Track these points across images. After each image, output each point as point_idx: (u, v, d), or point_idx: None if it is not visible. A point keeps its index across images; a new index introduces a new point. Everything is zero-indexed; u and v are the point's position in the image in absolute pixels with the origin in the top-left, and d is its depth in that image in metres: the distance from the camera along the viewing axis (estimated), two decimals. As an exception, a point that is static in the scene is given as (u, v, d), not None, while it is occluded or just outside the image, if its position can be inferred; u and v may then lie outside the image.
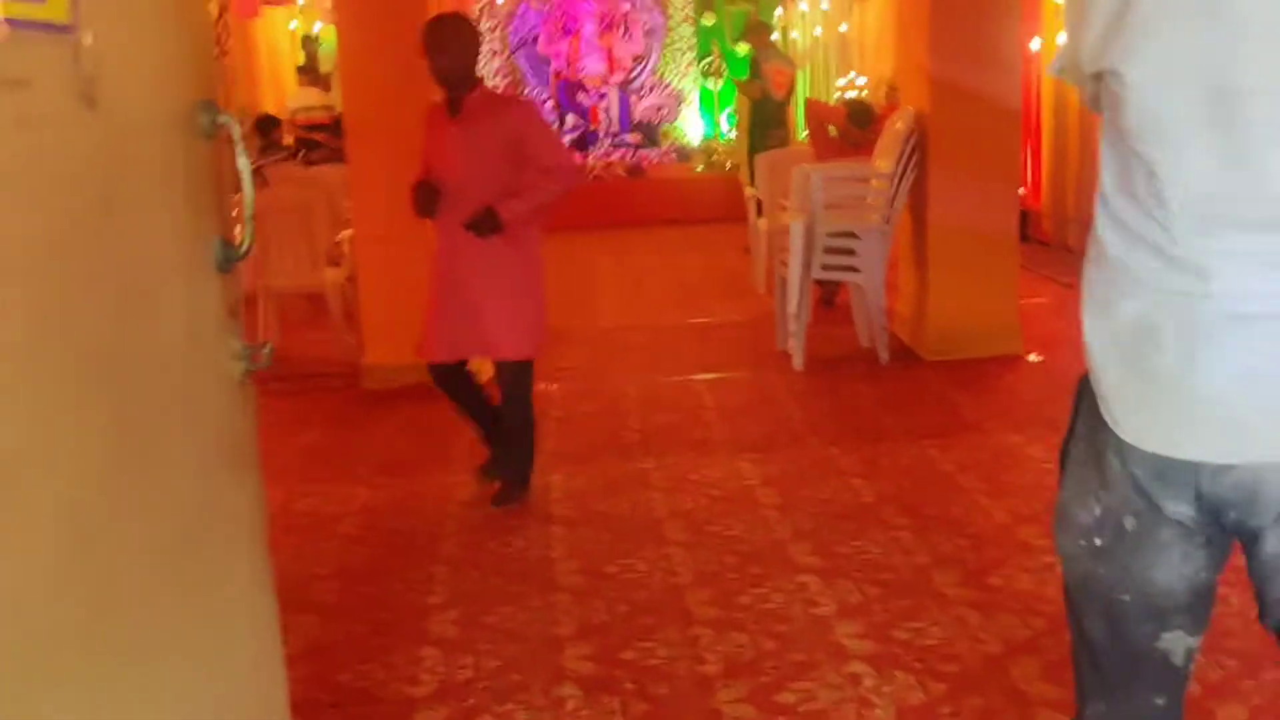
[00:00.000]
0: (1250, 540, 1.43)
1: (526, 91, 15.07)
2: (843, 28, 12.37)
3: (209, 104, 1.50)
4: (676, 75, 15.09)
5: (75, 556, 1.18)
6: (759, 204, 7.90)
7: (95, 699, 1.21)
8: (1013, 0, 5.70)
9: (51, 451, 1.15)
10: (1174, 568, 1.46)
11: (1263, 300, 1.30)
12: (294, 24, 12.94)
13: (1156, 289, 1.36)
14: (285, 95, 11.89)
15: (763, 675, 2.85)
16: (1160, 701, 1.58)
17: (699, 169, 13.03)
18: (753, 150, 9.20)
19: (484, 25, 14.98)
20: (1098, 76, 1.40)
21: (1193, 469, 1.39)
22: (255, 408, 1.65)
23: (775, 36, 13.75)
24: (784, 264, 5.93)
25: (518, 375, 4.03)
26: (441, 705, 2.80)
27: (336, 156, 8.25)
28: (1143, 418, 1.41)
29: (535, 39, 15.00)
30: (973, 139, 5.65)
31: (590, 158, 13.56)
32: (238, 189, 1.58)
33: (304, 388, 5.90)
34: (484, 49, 3.93)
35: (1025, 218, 9.18)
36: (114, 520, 1.26)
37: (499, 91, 4.07)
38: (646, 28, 14.87)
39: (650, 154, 13.92)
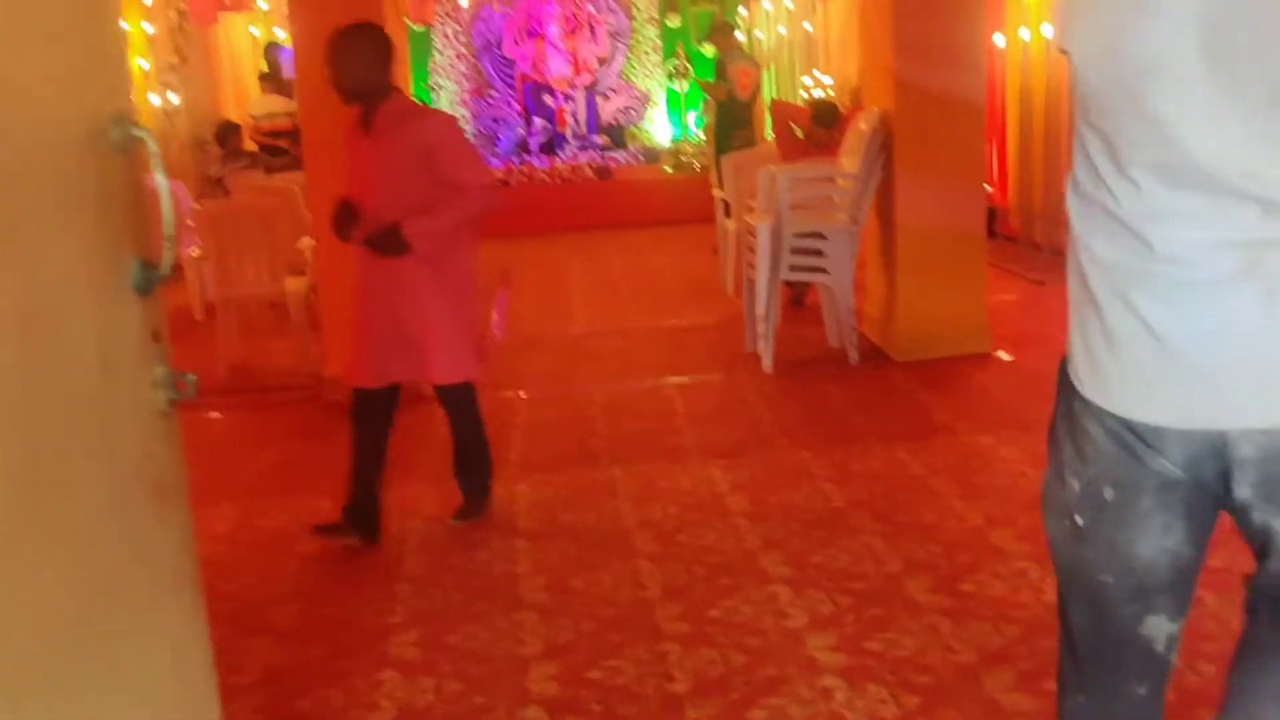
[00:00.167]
0: (1238, 513, 1.45)
1: (492, 95, 14.97)
2: (807, 27, 12.33)
3: (122, 117, 1.41)
4: (642, 77, 15.03)
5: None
6: (726, 205, 7.84)
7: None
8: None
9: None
10: (1155, 539, 1.48)
11: (1210, 268, 1.33)
12: (255, 30, 12.78)
13: (1113, 256, 1.40)
14: (248, 102, 11.73)
15: (732, 692, 2.77)
16: (1142, 691, 1.60)
17: (667, 170, 12.97)
18: (719, 151, 9.15)
19: (447, 29, 14.88)
20: (1064, 54, 1.47)
21: (1161, 430, 1.42)
22: (180, 438, 1.55)
23: (740, 37, 13.72)
24: (752, 265, 5.87)
25: (458, 397, 3.88)
26: (401, 732, 2.71)
27: (299, 164, 8.12)
28: (1107, 379, 1.45)
29: (499, 42, 14.90)
30: (938, 138, 5.61)
31: (557, 161, 13.49)
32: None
33: (266, 400, 5.79)
34: (391, 56, 3.69)
35: (992, 214, 9.17)
36: (21, 565, 1.17)
37: (415, 104, 3.78)
38: (611, 29, 14.80)
39: (618, 156, 13.85)
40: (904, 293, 5.77)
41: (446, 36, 14.94)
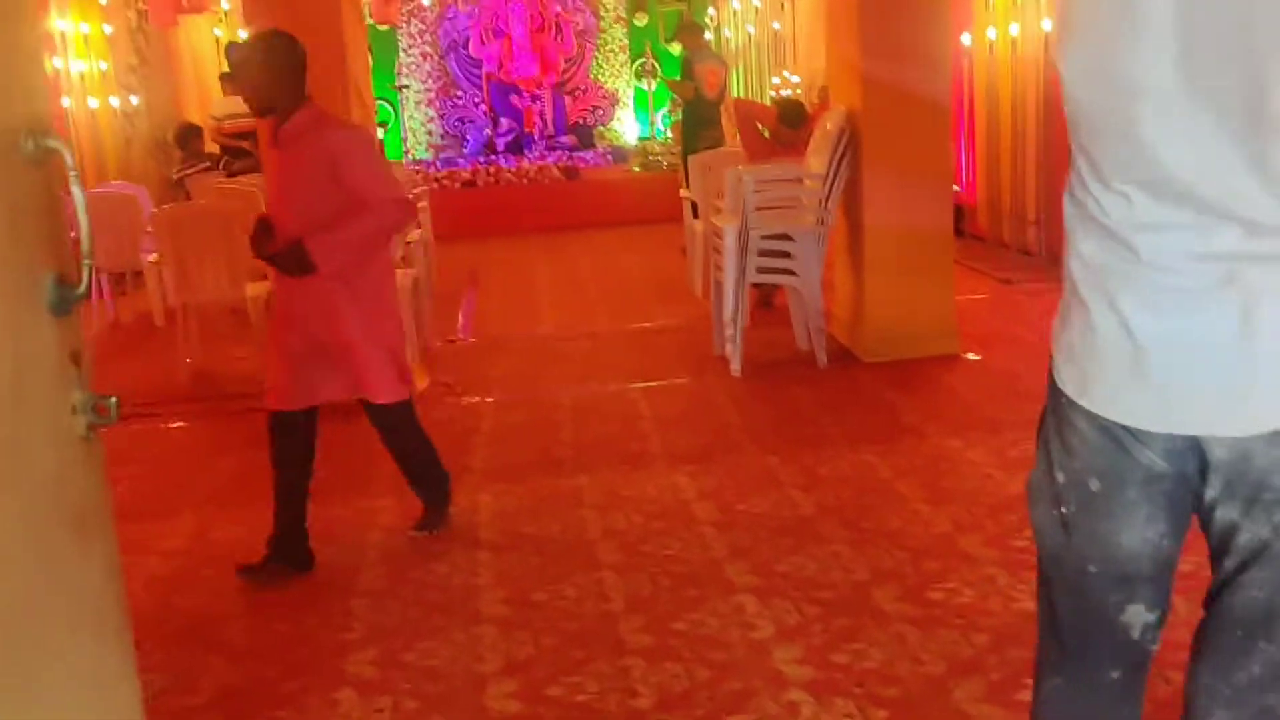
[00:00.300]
0: (1205, 509, 1.51)
1: (458, 95, 14.86)
2: (775, 26, 12.30)
3: (36, 128, 1.33)
4: (610, 76, 14.96)
5: None
6: (694, 206, 7.79)
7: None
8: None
9: None
10: (1139, 530, 1.52)
11: (1193, 277, 1.38)
12: (218, 31, 12.60)
13: (1100, 260, 1.45)
14: (210, 103, 11.57)
15: (697, 708, 2.71)
16: (1115, 675, 1.65)
17: (635, 169, 12.90)
18: (686, 151, 9.10)
19: (412, 28, 14.74)
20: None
21: (1141, 430, 1.48)
22: (103, 464, 1.47)
23: (708, 36, 13.68)
24: (719, 268, 5.82)
25: (395, 417, 3.71)
26: (356, 754, 2.63)
27: (260, 166, 8.01)
28: (1089, 378, 1.50)
29: (465, 41, 14.78)
30: (905, 138, 5.58)
31: (524, 161, 13.39)
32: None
33: (224, 408, 5.67)
34: (298, 66, 3.50)
35: (960, 213, 9.17)
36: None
37: (325, 116, 3.60)
38: (578, 29, 14.72)
39: (586, 156, 13.77)
40: (872, 293, 5.73)
41: (412, 36, 14.81)
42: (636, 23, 14.80)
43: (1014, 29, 8.10)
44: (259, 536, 3.78)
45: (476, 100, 14.82)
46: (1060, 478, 1.57)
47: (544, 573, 3.50)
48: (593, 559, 3.58)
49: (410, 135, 15.12)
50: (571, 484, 4.27)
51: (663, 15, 14.50)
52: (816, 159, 5.79)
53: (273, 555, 3.59)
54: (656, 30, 14.68)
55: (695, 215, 7.65)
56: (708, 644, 3.00)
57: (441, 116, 15.02)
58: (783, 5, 11.79)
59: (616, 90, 14.98)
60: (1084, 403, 1.51)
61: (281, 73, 3.47)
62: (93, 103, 10.06)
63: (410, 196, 3.61)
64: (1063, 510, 1.58)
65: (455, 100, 14.98)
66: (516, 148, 14.24)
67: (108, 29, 10.66)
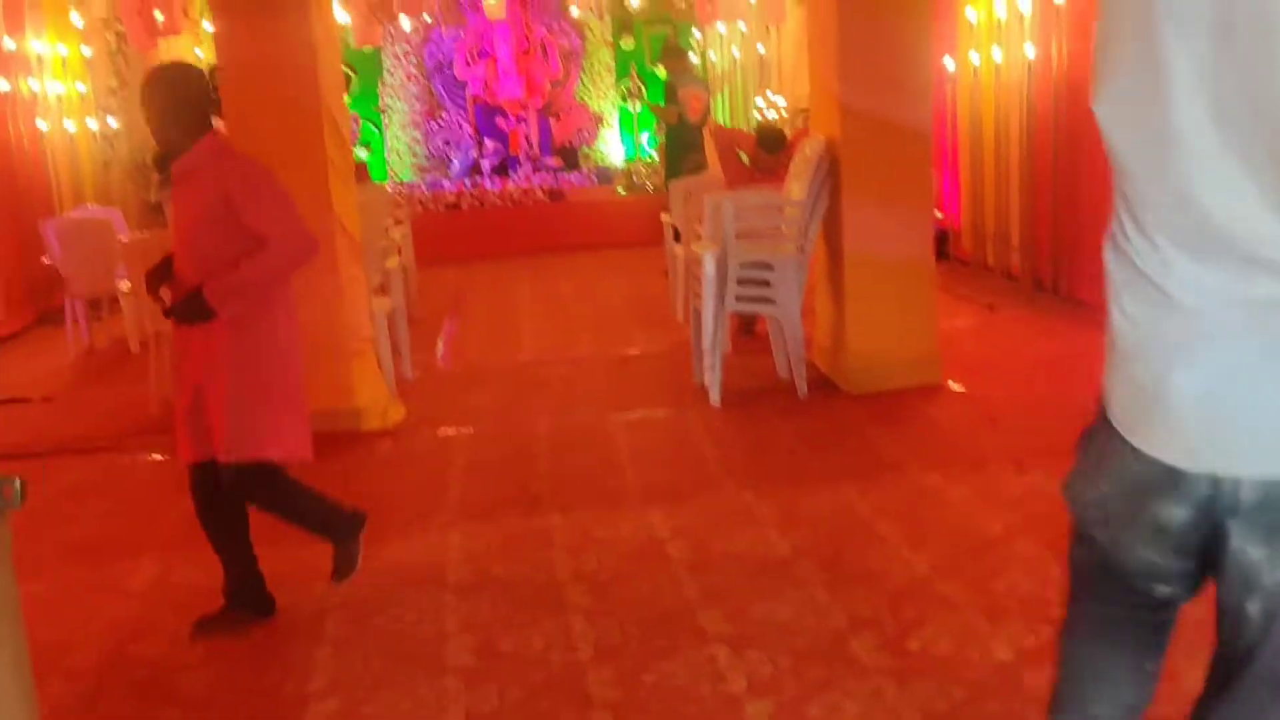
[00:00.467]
0: (1219, 546, 1.50)
1: (444, 116, 14.80)
2: (760, 49, 12.28)
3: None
4: (596, 98, 14.93)
5: None
6: (676, 230, 7.73)
7: None
8: (922, 26, 5.57)
9: None
10: (1165, 554, 1.55)
11: (1221, 321, 1.40)
12: (199, 51, 12.52)
13: (1135, 307, 1.49)
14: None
15: (664, 767, 2.62)
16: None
17: (620, 192, 12.85)
18: (669, 176, 9.06)
19: (397, 49, 14.69)
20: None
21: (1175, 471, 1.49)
22: (9, 547, 1.38)
23: (694, 58, 13.66)
24: (698, 296, 5.74)
25: (244, 480, 3.36)
26: (310, 818, 2.53)
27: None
28: (1127, 411, 1.54)
29: (451, 63, 14.74)
30: (885, 165, 5.52)
31: (509, 183, 13.33)
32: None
33: (196, 441, 5.56)
34: (193, 98, 3.29)
35: (945, 236, 9.13)
36: None
37: (220, 149, 3.35)
38: (564, 50, 14.69)
39: (571, 177, 13.72)
40: (853, 322, 5.66)
41: (397, 57, 14.76)
42: (622, 45, 14.78)
43: (997, 53, 8.07)
44: (220, 582, 3.68)
45: (462, 122, 14.77)
46: (1102, 487, 1.61)
47: (512, 619, 3.41)
48: (562, 603, 3.48)
49: (395, 157, 15.06)
50: (544, 523, 4.17)
51: (649, 38, 14.48)
52: (797, 185, 5.73)
53: (231, 604, 3.48)
54: (642, 52, 14.66)
55: (677, 239, 7.59)
56: (678, 697, 2.91)
57: (427, 138, 14.96)
58: (767, 30, 11.77)
59: (602, 112, 14.95)
60: (1123, 432, 1.54)
61: (180, 105, 3.29)
62: (70, 125, 9.96)
63: (310, 232, 3.32)
64: (1096, 512, 1.62)
65: (440, 122, 14.93)
66: (502, 170, 14.18)
67: (87, 51, 10.58)
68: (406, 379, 6.43)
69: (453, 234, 11.65)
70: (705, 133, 8.95)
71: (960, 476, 4.31)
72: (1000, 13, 8.03)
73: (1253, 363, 1.40)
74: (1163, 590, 1.61)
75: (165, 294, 3.44)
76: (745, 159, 6.88)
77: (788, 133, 7.42)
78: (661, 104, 10.42)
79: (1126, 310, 1.51)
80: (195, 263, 3.29)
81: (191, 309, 3.25)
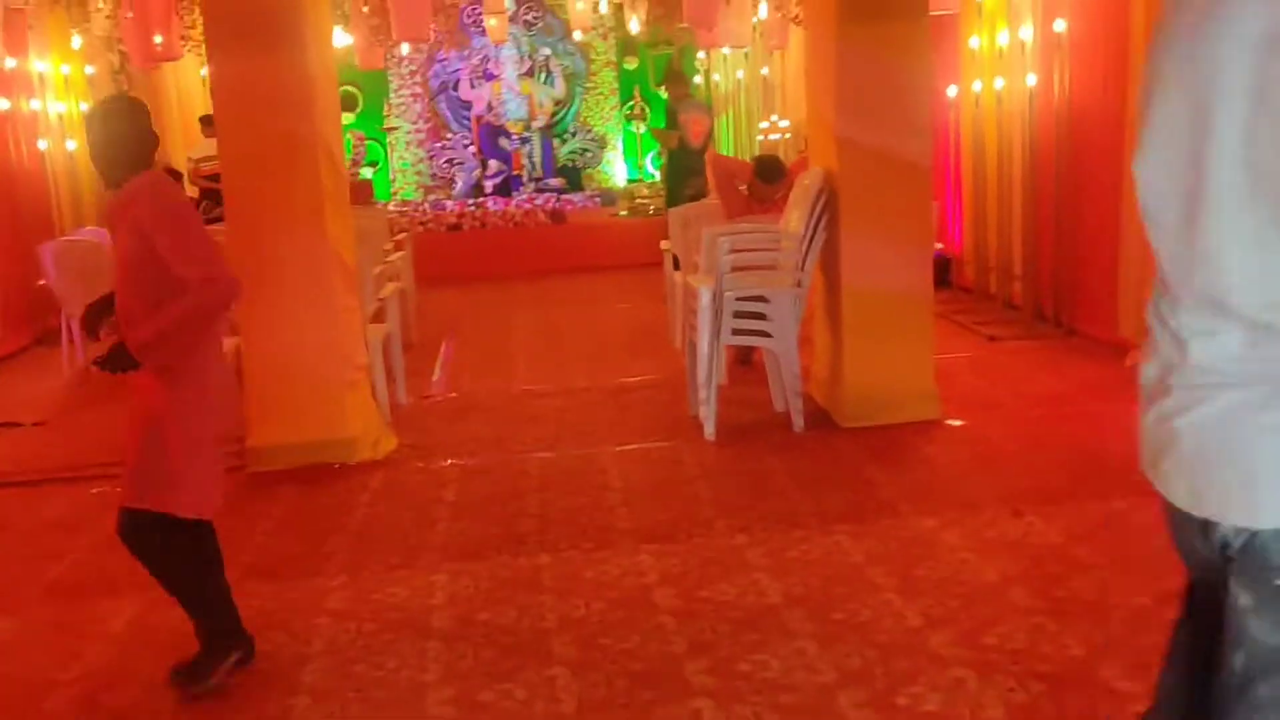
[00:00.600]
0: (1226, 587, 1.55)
1: (449, 136, 14.79)
2: (764, 71, 12.25)
3: None
4: (599, 119, 14.91)
5: None
6: (675, 258, 7.68)
7: None
8: (921, 59, 5.53)
9: None
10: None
11: (1230, 376, 1.46)
12: (204, 72, 12.53)
13: (1162, 355, 1.57)
14: (193, 145, 11.49)
15: (642, 833, 2.55)
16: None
17: (621, 214, 12.82)
18: (670, 202, 9.03)
19: (403, 70, 14.69)
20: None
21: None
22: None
23: (698, 80, 13.64)
24: (694, 328, 5.69)
25: (137, 531, 3.25)
26: None
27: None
28: (1149, 457, 1.62)
29: (456, 84, 14.74)
30: (883, 198, 5.47)
31: (511, 203, 13.30)
32: None
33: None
34: (129, 134, 3.20)
35: (948, 264, 9.08)
36: None
37: (148, 186, 3.19)
38: (568, 72, 14.68)
39: (574, 199, 13.69)
40: (850, 356, 5.60)
41: (402, 78, 14.77)
42: (626, 66, 14.77)
43: (999, 83, 8.02)
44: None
45: (466, 142, 14.77)
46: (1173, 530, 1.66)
47: (495, 668, 3.34)
48: (547, 653, 3.41)
49: (399, 176, 15.06)
50: (532, 563, 4.11)
51: (653, 59, 14.47)
52: (796, 214, 5.68)
53: (205, 650, 3.41)
54: (646, 74, 14.66)
55: (676, 267, 7.54)
56: (659, 756, 2.84)
57: (431, 158, 14.95)
58: (771, 53, 11.75)
59: (605, 133, 14.94)
60: (1147, 473, 1.63)
61: (116, 141, 3.20)
62: (71, 145, 9.95)
63: (233, 274, 3.18)
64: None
65: (445, 142, 14.93)
66: (505, 190, 14.17)
67: (90, 70, 10.58)
68: (401, 406, 6.38)
69: (453, 255, 11.62)
70: (706, 159, 8.92)
71: (955, 520, 4.24)
72: (1003, 41, 7.99)
73: (1249, 412, 1.46)
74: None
75: (105, 335, 3.37)
76: (744, 189, 6.83)
77: (786, 161, 7.37)
78: (663, 127, 10.39)
79: (1153, 357, 1.59)
80: (130, 300, 3.20)
81: (116, 361, 3.16)
